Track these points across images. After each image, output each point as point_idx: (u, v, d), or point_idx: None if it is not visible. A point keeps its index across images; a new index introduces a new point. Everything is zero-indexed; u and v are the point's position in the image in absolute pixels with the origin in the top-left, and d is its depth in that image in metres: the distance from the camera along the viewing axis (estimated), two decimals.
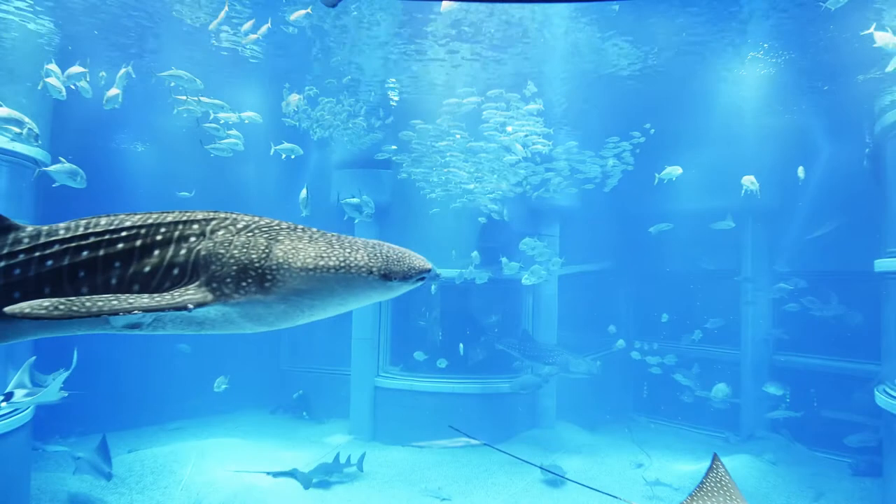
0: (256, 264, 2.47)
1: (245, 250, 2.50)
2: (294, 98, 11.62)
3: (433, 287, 13.37)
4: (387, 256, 2.55)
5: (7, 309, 2.25)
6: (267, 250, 2.50)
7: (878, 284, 10.68)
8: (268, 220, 2.67)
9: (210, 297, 2.41)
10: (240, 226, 2.61)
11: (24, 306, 2.21)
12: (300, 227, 2.68)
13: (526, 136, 12.01)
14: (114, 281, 2.52)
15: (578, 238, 15.62)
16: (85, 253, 2.57)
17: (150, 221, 2.62)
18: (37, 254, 2.59)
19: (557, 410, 14.68)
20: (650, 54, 11.92)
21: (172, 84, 9.36)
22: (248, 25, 10.09)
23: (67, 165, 8.83)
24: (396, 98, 12.78)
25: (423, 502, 10.54)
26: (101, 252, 2.56)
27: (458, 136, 12.42)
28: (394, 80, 12.53)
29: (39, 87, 8.99)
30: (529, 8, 10.23)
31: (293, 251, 2.50)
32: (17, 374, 8.40)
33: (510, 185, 13.46)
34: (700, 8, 10.42)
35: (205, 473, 10.89)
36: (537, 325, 14.93)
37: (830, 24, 10.66)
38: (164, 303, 2.30)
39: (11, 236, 2.67)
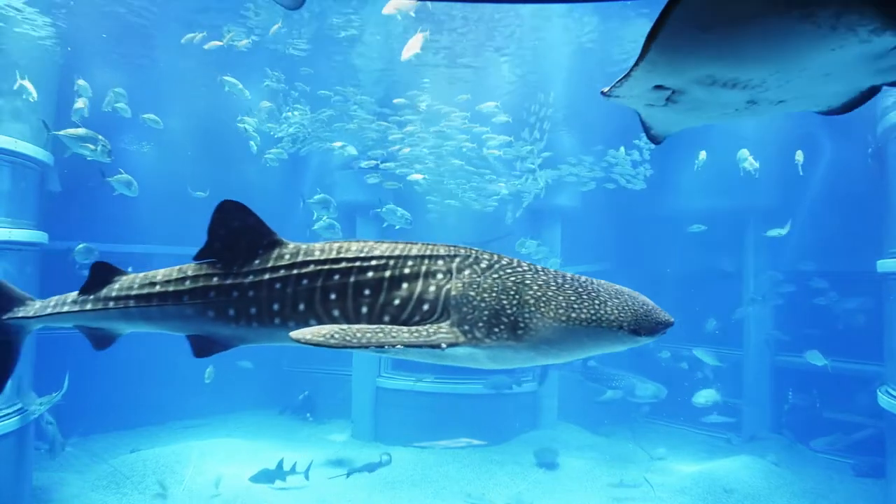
0: (508, 311, 2.51)
1: (496, 295, 2.55)
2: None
3: None
4: (635, 311, 2.56)
5: (293, 334, 2.44)
6: (517, 296, 2.53)
7: (881, 285, 10.65)
8: (507, 260, 2.72)
9: (462, 338, 2.50)
10: (483, 265, 2.66)
11: (307, 333, 2.40)
12: (537, 267, 2.70)
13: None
14: (364, 309, 2.65)
15: (580, 238, 15.60)
16: (336, 277, 2.71)
17: (396, 253, 2.73)
18: (295, 271, 2.78)
19: (559, 411, 14.67)
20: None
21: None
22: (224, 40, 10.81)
23: (125, 176, 9.93)
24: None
25: (423, 502, 10.54)
26: (352, 279, 2.69)
27: (467, 144, 12.43)
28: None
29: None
30: (529, 8, 10.23)
31: (545, 300, 2.52)
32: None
33: (524, 189, 13.48)
34: None
35: (206, 473, 10.89)
36: None
37: None
38: (421, 340, 2.42)
39: (276, 251, 2.89)
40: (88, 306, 3.14)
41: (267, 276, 2.79)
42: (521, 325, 2.49)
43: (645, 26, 11.13)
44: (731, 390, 14.08)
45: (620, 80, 2.57)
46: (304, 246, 2.88)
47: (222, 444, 12.60)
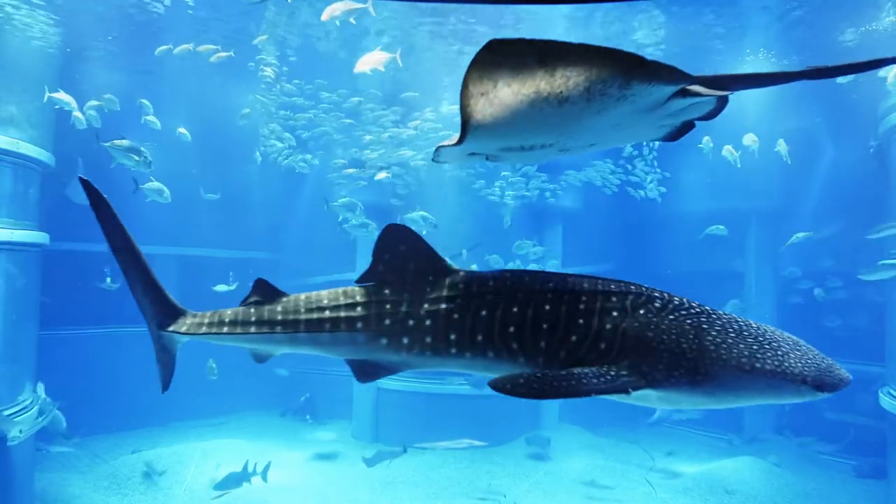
0: (688, 355, 2.46)
1: (674, 337, 2.51)
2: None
3: None
4: (818, 365, 2.50)
5: (491, 383, 2.43)
6: (697, 340, 2.49)
7: (883, 286, 10.64)
8: (679, 300, 2.69)
9: (642, 381, 2.47)
10: (657, 304, 2.63)
11: (506, 383, 2.43)
12: (708, 309, 2.68)
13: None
14: (542, 343, 2.63)
15: (582, 239, 15.59)
16: (514, 309, 2.68)
17: (569, 286, 2.70)
18: (472, 301, 2.75)
19: (560, 412, 14.65)
20: (650, 54, 11.91)
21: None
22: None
23: (157, 184, 10.38)
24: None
25: (424, 503, 10.54)
26: (530, 312, 2.66)
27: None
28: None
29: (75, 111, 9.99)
30: (529, 8, 10.24)
31: (725, 346, 2.47)
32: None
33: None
34: (702, 8, 10.42)
35: (208, 474, 10.89)
36: None
37: (833, 24, 10.65)
38: (608, 387, 2.41)
39: (448, 279, 2.85)
40: (253, 329, 3.01)
41: (443, 306, 2.75)
42: (702, 370, 2.43)
43: (645, 26, 11.14)
44: None
45: (441, 147, 2.78)
46: (475, 274, 2.84)
47: (224, 444, 12.60)
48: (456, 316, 2.73)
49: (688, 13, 10.59)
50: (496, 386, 2.40)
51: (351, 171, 12.86)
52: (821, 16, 10.40)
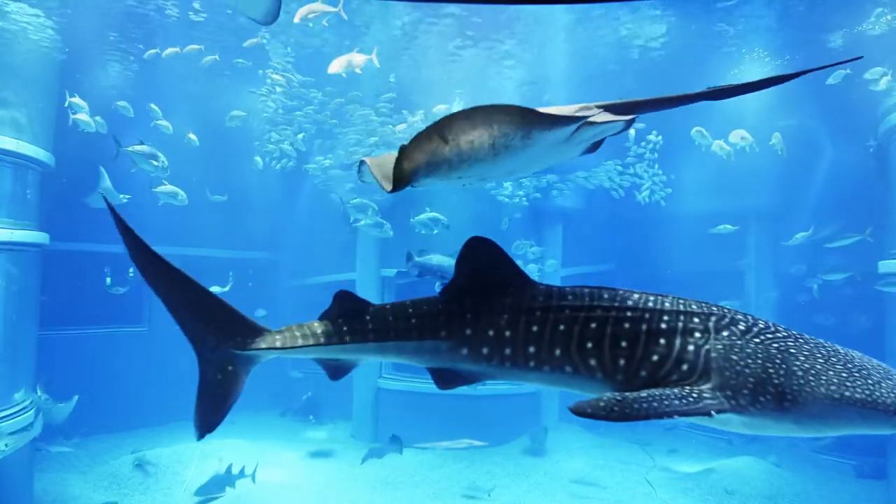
0: (775, 381, 2.42)
1: (760, 362, 2.47)
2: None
3: (437, 286, 13.37)
4: None
5: (572, 407, 2.41)
6: (784, 366, 2.45)
7: (883, 285, 10.64)
8: (763, 323, 2.65)
9: (726, 405, 2.43)
10: (741, 327, 2.59)
11: (587, 407, 2.38)
12: (794, 332, 2.65)
13: None
14: (622, 362, 2.61)
15: (582, 240, 15.60)
16: (593, 325, 2.68)
17: (650, 305, 2.68)
18: (551, 315, 2.76)
19: (560, 412, 14.65)
20: (650, 55, 11.93)
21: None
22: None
23: (171, 187, 10.63)
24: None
25: (424, 503, 10.54)
26: (609, 329, 2.65)
27: None
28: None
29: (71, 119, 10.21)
30: (529, 8, 10.25)
31: (814, 373, 2.43)
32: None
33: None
34: (701, 7, 10.43)
35: (208, 474, 10.88)
36: None
37: (833, 24, 10.66)
38: (691, 409, 2.38)
39: (528, 292, 2.87)
40: (347, 339, 3.04)
41: (523, 318, 2.78)
42: (789, 397, 2.40)
43: (646, 25, 11.15)
44: None
45: (362, 172, 2.99)
46: (554, 288, 2.86)
47: (223, 444, 12.59)
48: (535, 329, 2.76)
49: (688, 12, 10.60)
50: (577, 411, 2.38)
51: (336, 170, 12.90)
52: (815, 15, 10.44)
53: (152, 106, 11.37)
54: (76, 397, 10.66)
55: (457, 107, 12.41)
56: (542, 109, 2.60)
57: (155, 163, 9.78)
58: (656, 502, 10.65)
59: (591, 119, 2.70)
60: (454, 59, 12.24)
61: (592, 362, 2.65)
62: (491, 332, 2.82)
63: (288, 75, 12.35)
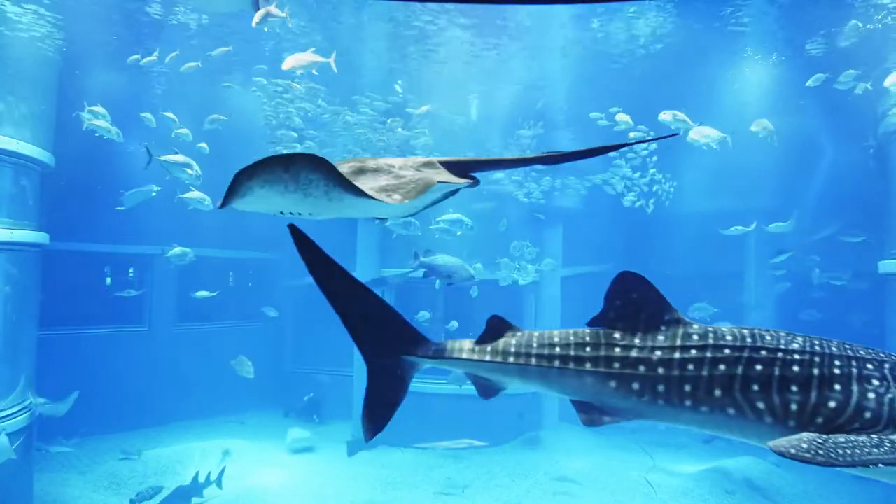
0: None
1: None
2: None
3: (437, 284, 13.37)
4: None
5: (772, 445, 2.37)
6: None
7: (882, 286, 10.65)
8: None
9: None
10: None
11: (790, 447, 2.33)
12: None
13: None
14: (794, 406, 2.55)
15: (582, 240, 15.60)
16: (758, 367, 2.62)
17: (818, 349, 2.62)
18: (709, 354, 2.69)
19: (561, 412, 14.66)
20: (650, 55, 11.93)
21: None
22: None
23: (198, 193, 10.79)
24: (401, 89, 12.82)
25: (424, 503, 10.55)
26: (776, 371, 2.60)
27: None
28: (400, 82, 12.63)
29: (84, 127, 10.38)
30: (528, 8, 10.25)
31: None
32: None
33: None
34: (701, 7, 10.43)
35: (208, 473, 10.89)
36: (540, 327, 14.90)
37: (833, 24, 10.66)
38: (892, 458, 2.31)
39: (682, 330, 2.82)
40: (487, 357, 3.15)
41: (678, 356, 2.73)
42: None
43: (646, 25, 11.14)
44: None
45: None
46: (709, 328, 2.82)
47: (224, 444, 12.61)
48: (691, 367, 2.70)
49: (688, 11, 10.60)
50: (779, 450, 2.34)
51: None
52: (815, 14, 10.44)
53: (169, 114, 11.44)
54: (76, 393, 10.60)
55: (474, 110, 12.45)
56: (379, 161, 2.85)
57: (189, 171, 9.97)
58: (656, 502, 10.65)
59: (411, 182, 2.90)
60: (454, 58, 12.24)
61: (760, 405, 2.58)
62: (642, 368, 2.78)
63: (287, 82, 12.35)
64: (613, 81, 12.91)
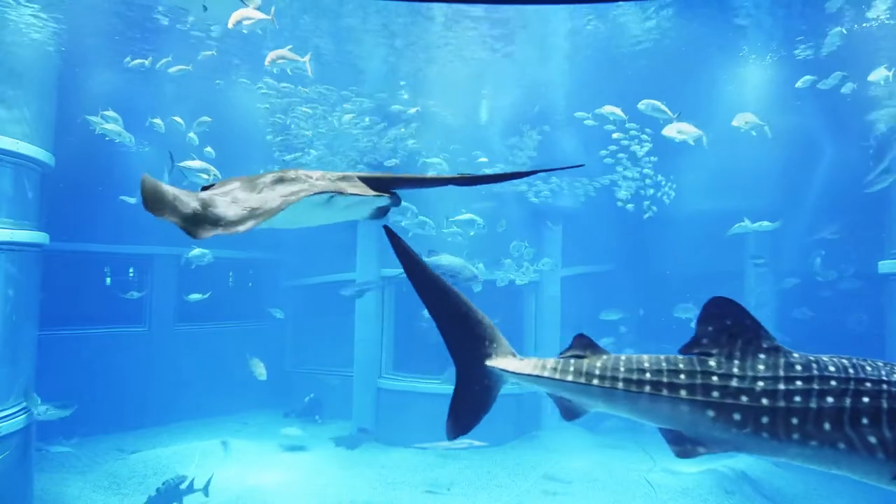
0: None
1: None
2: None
3: None
4: None
5: None
6: None
7: (882, 286, 10.65)
8: None
9: None
10: None
11: None
12: None
13: None
14: None
15: (581, 240, 15.60)
16: (866, 400, 2.55)
17: None
18: (815, 385, 2.61)
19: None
20: (650, 56, 11.92)
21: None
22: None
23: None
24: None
25: (425, 503, 10.55)
26: (885, 404, 2.54)
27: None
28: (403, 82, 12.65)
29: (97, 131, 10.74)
30: (528, 8, 10.25)
31: None
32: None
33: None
34: (701, 7, 10.43)
35: (208, 474, 10.89)
36: (540, 327, 14.91)
37: (833, 24, 10.66)
38: None
39: (783, 359, 2.73)
40: (570, 378, 3.02)
41: (782, 386, 2.64)
42: None
43: (646, 25, 11.15)
44: None
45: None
46: (811, 357, 2.73)
47: (225, 445, 12.61)
48: (798, 399, 2.60)
49: (688, 11, 10.60)
50: None
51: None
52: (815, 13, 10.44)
53: (176, 119, 11.50)
54: (76, 406, 10.61)
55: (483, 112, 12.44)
56: (299, 172, 2.88)
57: (206, 176, 10.11)
58: (656, 502, 10.65)
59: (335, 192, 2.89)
60: (454, 59, 12.24)
61: (872, 440, 2.53)
62: (745, 399, 2.66)
63: (290, 86, 12.36)
64: (614, 81, 12.92)
